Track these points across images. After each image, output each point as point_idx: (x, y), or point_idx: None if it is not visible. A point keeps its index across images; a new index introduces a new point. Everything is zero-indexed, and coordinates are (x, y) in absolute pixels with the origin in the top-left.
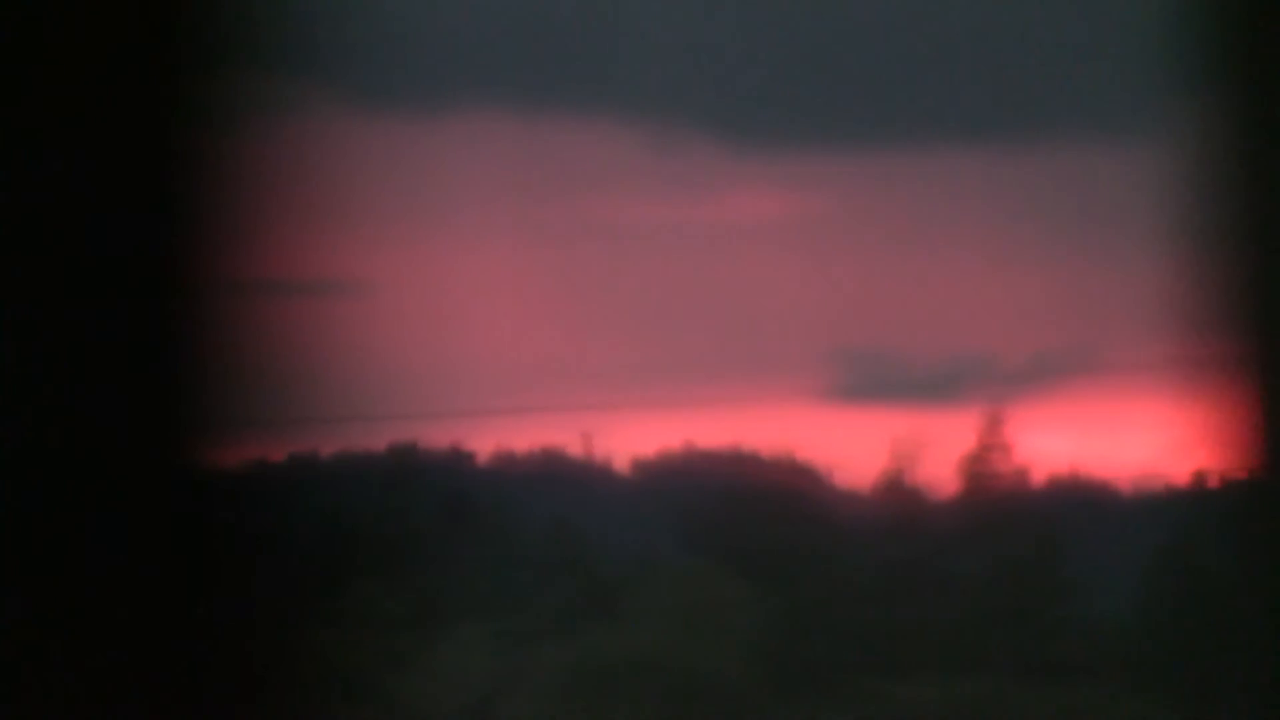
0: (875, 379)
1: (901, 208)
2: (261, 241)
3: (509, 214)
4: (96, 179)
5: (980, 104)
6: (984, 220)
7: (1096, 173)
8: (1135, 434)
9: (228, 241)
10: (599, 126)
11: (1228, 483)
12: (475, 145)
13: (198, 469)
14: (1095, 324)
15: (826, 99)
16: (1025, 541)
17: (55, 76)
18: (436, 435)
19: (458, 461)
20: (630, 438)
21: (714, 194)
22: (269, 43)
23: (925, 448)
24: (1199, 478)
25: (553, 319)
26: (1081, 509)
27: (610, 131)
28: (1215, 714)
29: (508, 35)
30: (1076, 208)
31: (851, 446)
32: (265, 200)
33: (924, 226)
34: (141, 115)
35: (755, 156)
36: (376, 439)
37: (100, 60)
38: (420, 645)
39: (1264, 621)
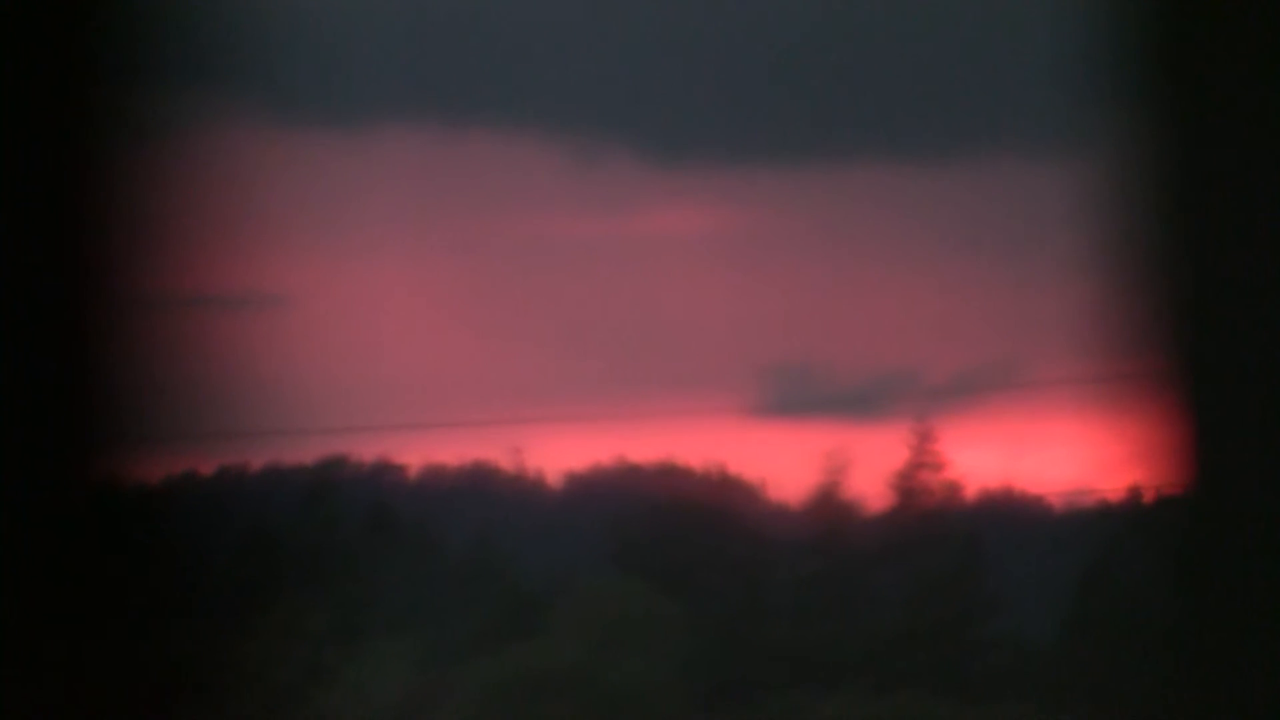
0: (803, 394)
1: (826, 223)
2: (187, 255)
3: (435, 229)
4: (8, 192)
5: (906, 121)
6: (909, 236)
7: (1023, 189)
8: (1062, 450)
9: (152, 255)
10: (523, 142)
11: (1155, 499)
12: (400, 160)
13: (120, 482)
14: (1021, 340)
15: (751, 115)
16: (950, 557)
17: None
18: (364, 449)
19: (384, 475)
20: (560, 452)
21: (639, 209)
22: (187, 56)
23: (852, 463)
24: (1126, 494)
25: (481, 333)
26: (1007, 525)
27: (535, 147)
28: None
29: (431, 51)
30: (1003, 224)
31: (780, 461)
32: (187, 214)
33: (849, 242)
34: (54, 127)
35: (680, 172)
36: (303, 453)
37: (13, 71)
38: (344, 659)
39: (1191, 636)
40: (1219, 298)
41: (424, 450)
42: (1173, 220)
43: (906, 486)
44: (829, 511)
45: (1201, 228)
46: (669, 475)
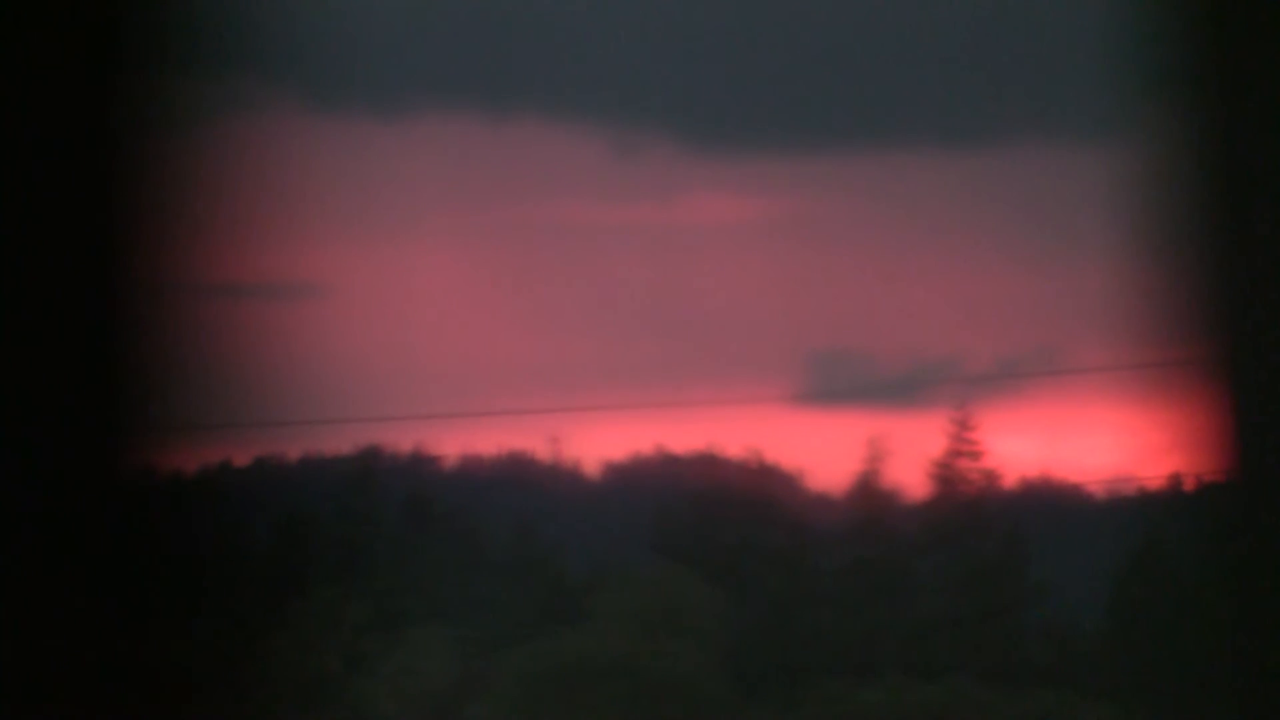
0: (843, 382)
1: (866, 211)
2: (222, 245)
3: (474, 217)
4: (47, 181)
5: (947, 108)
6: (949, 223)
7: (1064, 175)
8: (1102, 438)
9: (188, 245)
10: (563, 130)
11: (1198, 486)
12: (439, 148)
13: (156, 472)
14: (1061, 327)
15: (790, 103)
16: (992, 545)
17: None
18: (401, 439)
19: (422, 465)
20: (599, 441)
21: (678, 197)
22: (223, 43)
23: (892, 451)
24: (1168, 481)
25: (519, 322)
26: (1048, 513)
27: (574, 135)
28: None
29: (471, 39)
30: (1043, 210)
31: (820, 450)
32: (223, 203)
33: (889, 229)
34: (89, 116)
35: (719, 160)
36: (340, 443)
37: (50, 61)
38: (383, 649)
39: (1234, 623)
40: (1259, 285)
41: (461, 440)
42: (1213, 207)
43: (946, 475)
44: (869, 500)
45: (1242, 214)
46: (709, 464)
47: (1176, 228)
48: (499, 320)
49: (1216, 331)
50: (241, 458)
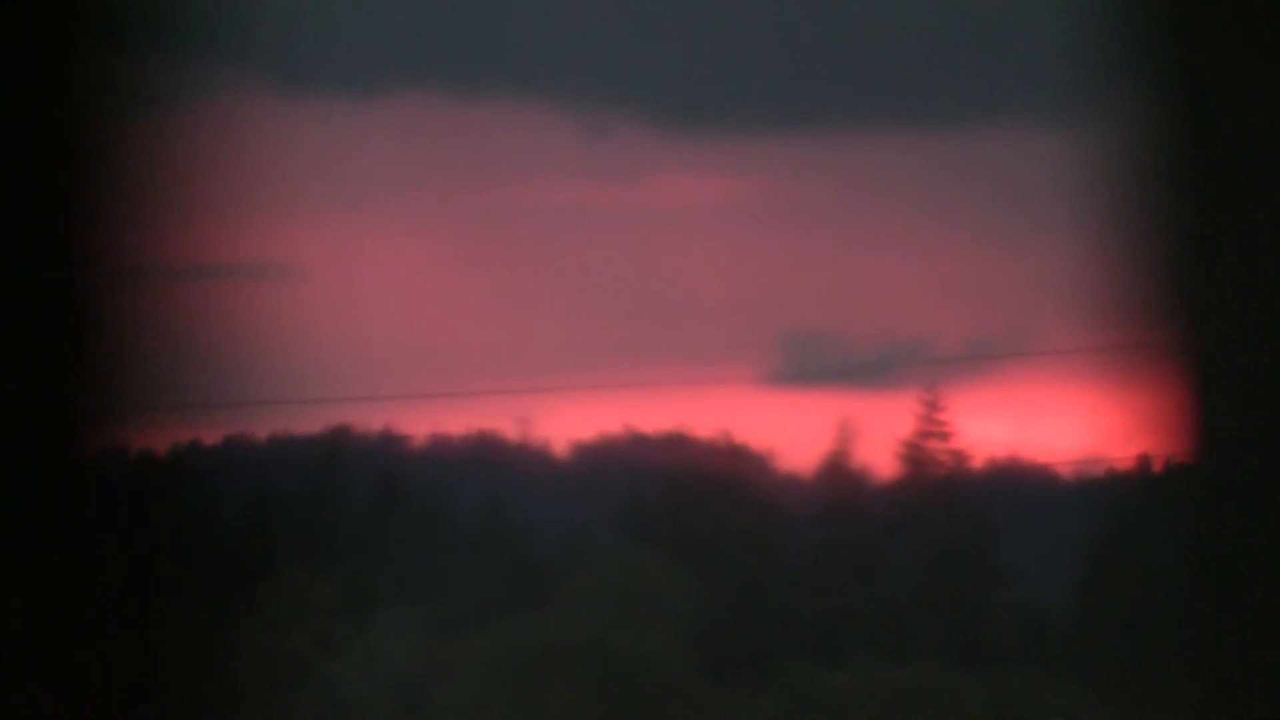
0: (813, 363)
1: (836, 192)
2: (193, 226)
3: (444, 198)
4: (15, 163)
5: (916, 88)
6: (917, 205)
7: (1032, 157)
8: (1072, 419)
9: (158, 226)
10: (533, 110)
11: (1166, 467)
12: (408, 129)
13: (126, 452)
14: (1030, 309)
15: (761, 84)
16: (961, 527)
17: None
18: (370, 419)
19: (391, 445)
20: (569, 421)
21: (649, 178)
22: (194, 24)
23: (862, 432)
24: (1137, 462)
25: (489, 303)
26: (1017, 494)
27: (544, 115)
28: (1151, 699)
29: (441, 19)
30: (1012, 192)
31: (790, 430)
32: (194, 184)
33: (858, 211)
34: (60, 97)
35: (690, 140)
36: (310, 423)
37: (20, 42)
38: (352, 630)
39: (1202, 604)
40: (1225, 267)
41: (431, 420)
42: (1179, 190)
43: (916, 456)
44: (839, 481)
45: (1208, 198)
46: (678, 445)
47: (1144, 210)
48: (468, 301)
49: (1183, 314)
50: (211, 437)
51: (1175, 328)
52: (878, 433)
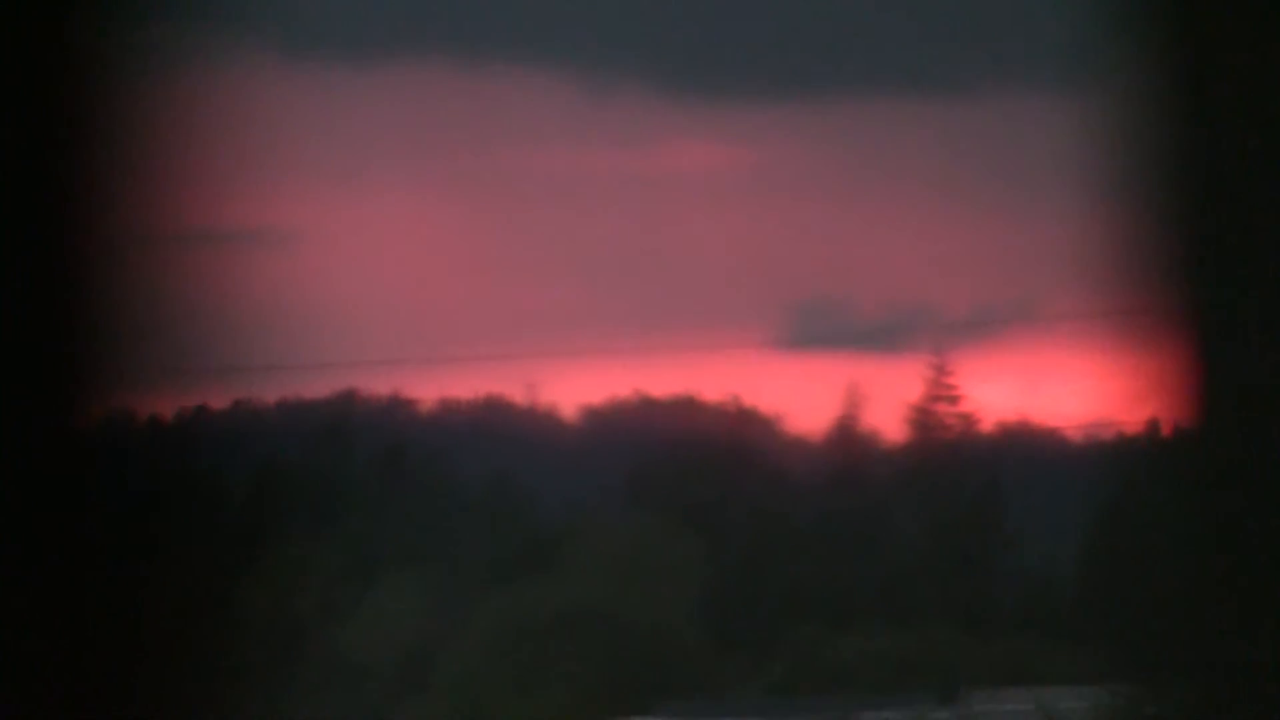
0: (821, 328)
1: (844, 158)
2: (201, 191)
3: (449, 164)
4: (14, 130)
5: (920, 56)
6: (925, 170)
7: (1035, 125)
8: (1079, 384)
9: (165, 191)
10: (537, 77)
11: (1173, 433)
12: (413, 95)
13: (133, 417)
14: (1037, 274)
15: (765, 51)
16: (969, 491)
17: None
18: (377, 384)
19: (398, 411)
20: (576, 387)
21: (654, 144)
22: None
23: (870, 397)
24: (1144, 428)
25: (495, 268)
26: (1024, 459)
27: (549, 82)
28: (1156, 665)
29: None
30: (1018, 157)
31: (798, 396)
32: (200, 150)
33: (867, 176)
34: (63, 64)
35: (695, 107)
36: (317, 388)
37: (11, 7)
38: (358, 595)
39: (1206, 571)
40: (1229, 233)
41: (437, 385)
42: (1183, 155)
43: (923, 421)
44: (846, 446)
45: (1213, 164)
46: (686, 410)
47: (1148, 176)
48: (476, 266)
49: (1186, 279)
50: (218, 403)
51: (1179, 293)
52: (885, 398)
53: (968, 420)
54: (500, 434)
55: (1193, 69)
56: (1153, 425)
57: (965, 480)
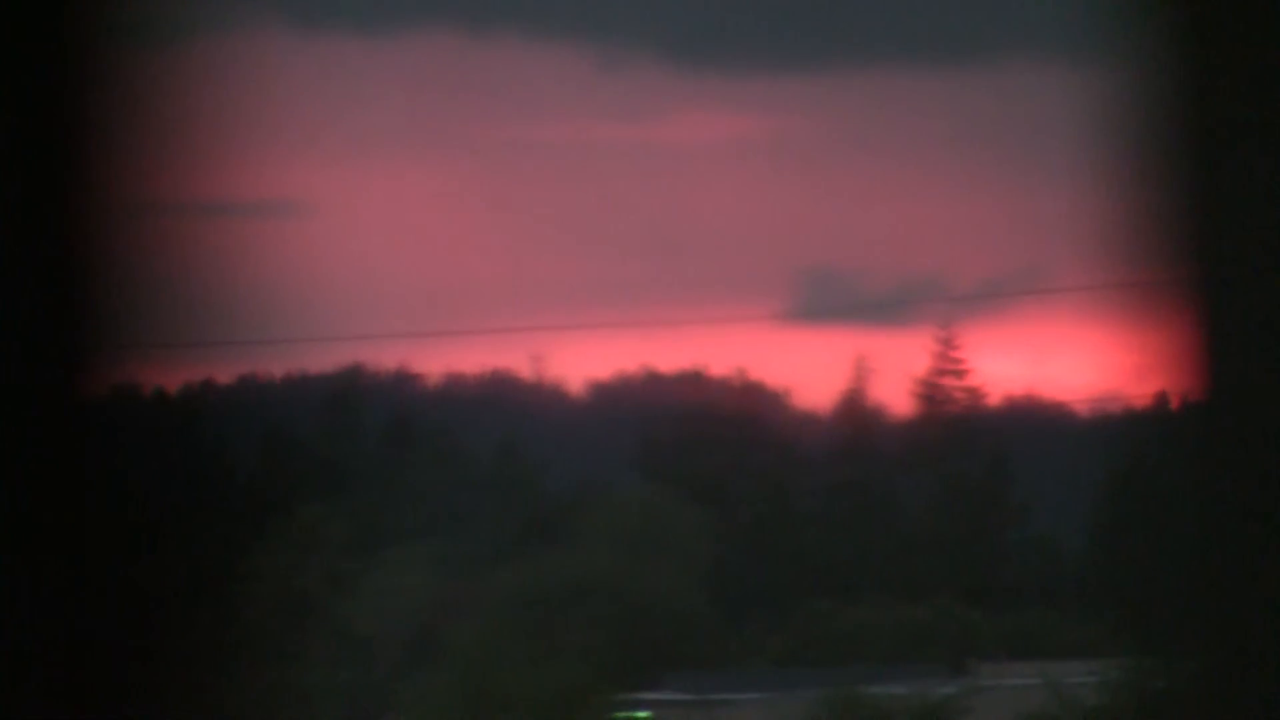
0: (829, 301)
1: (851, 129)
2: (208, 163)
3: (458, 135)
4: (19, 103)
5: (928, 26)
6: (933, 141)
7: (1042, 96)
8: (1086, 357)
9: (172, 162)
10: (547, 47)
11: (1181, 405)
12: (421, 68)
13: (137, 391)
14: (1046, 247)
15: (774, 21)
16: (976, 464)
17: None
18: (384, 357)
19: (405, 384)
20: (584, 360)
21: (663, 115)
22: None
23: (878, 369)
24: (1152, 400)
25: (503, 241)
26: (1033, 431)
27: (558, 52)
28: (1165, 638)
29: None
30: (1023, 130)
31: (805, 368)
32: (206, 120)
33: (874, 148)
34: (65, 32)
35: (705, 78)
36: (323, 361)
37: None
38: (365, 568)
39: (1212, 544)
40: (1235, 204)
41: (445, 358)
42: (1191, 125)
43: (931, 393)
44: (854, 418)
45: (1224, 135)
46: (694, 383)
47: (1154, 146)
48: (483, 239)
49: (1192, 250)
50: (224, 376)
51: (1187, 265)
52: (893, 370)
53: (975, 393)
54: (508, 407)
55: (1204, 39)
56: (1161, 398)
57: (973, 453)
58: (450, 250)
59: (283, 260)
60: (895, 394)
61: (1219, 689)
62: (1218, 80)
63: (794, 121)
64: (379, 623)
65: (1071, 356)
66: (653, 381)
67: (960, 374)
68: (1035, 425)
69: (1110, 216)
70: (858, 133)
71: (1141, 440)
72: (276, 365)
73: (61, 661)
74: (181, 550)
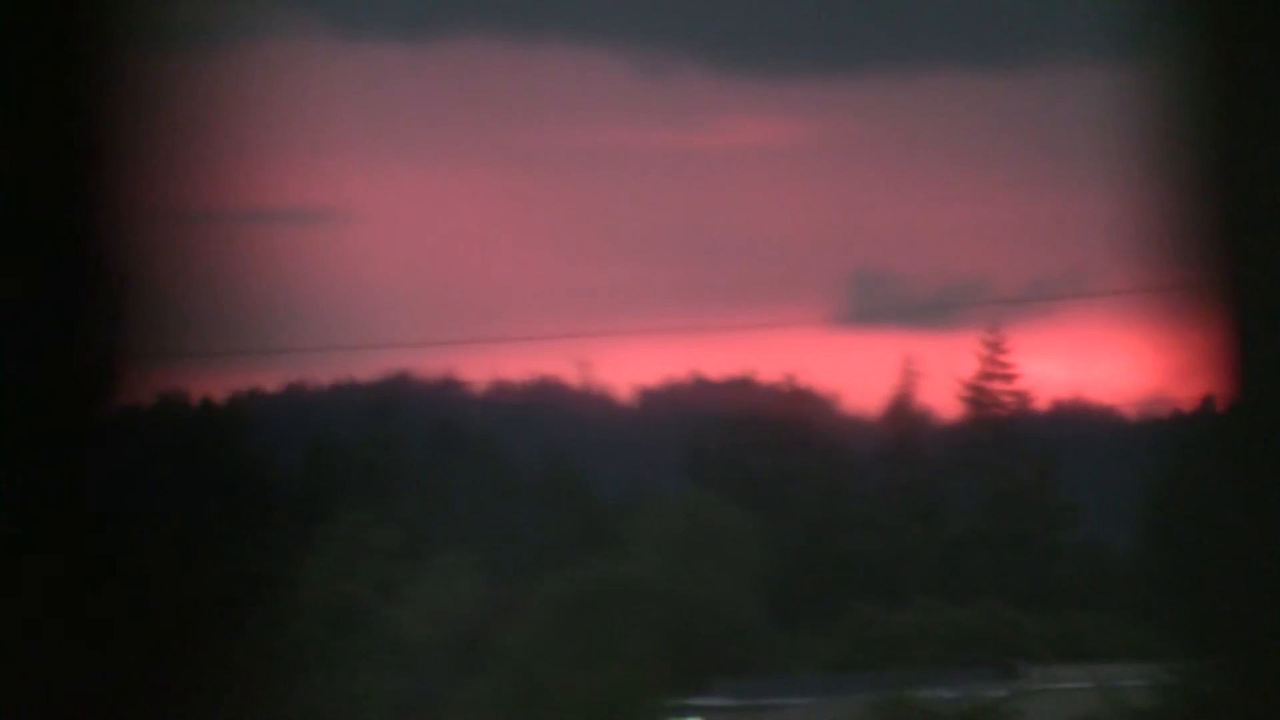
0: (876, 304)
1: (895, 133)
2: (256, 171)
3: (504, 141)
4: (63, 107)
5: (973, 30)
6: (977, 144)
7: (1087, 99)
8: (1132, 359)
9: (219, 171)
10: (591, 53)
11: (1227, 407)
12: (468, 73)
13: (186, 399)
14: (1092, 249)
15: (819, 26)
16: (1024, 467)
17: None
18: (430, 364)
19: (451, 390)
20: (632, 365)
21: (709, 120)
22: None
23: (926, 372)
24: (1200, 403)
25: (550, 246)
26: (1080, 434)
27: (602, 58)
28: (1214, 640)
29: None
30: (1069, 134)
31: (853, 372)
32: (254, 128)
33: (921, 152)
34: (110, 40)
35: (749, 83)
36: (370, 368)
37: None
38: (413, 575)
39: (1256, 542)
40: (1270, 206)
41: (491, 365)
42: (1225, 129)
43: (978, 396)
44: (902, 422)
45: (1256, 137)
46: (742, 388)
47: (1191, 150)
48: (529, 245)
49: (1228, 254)
50: (272, 384)
51: (1220, 267)
52: (940, 374)
53: (1022, 396)
54: (555, 413)
55: (1234, 45)
56: (1207, 400)
57: (1020, 456)
58: (496, 256)
59: (328, 268)
60: (943, 397)
61: (1267, 690)
62: (1253, 84)
63: (839, 125)
64: (427, 629)
65: (1117, 359)
66: (701, 387)
67: (1008, 377)
68: (1082, 427)
69: (1149, 219)
70: (903, 136)
71: (1187, 442)
72: (323, 373)
73: (112, 667)
74: (230, 557)
